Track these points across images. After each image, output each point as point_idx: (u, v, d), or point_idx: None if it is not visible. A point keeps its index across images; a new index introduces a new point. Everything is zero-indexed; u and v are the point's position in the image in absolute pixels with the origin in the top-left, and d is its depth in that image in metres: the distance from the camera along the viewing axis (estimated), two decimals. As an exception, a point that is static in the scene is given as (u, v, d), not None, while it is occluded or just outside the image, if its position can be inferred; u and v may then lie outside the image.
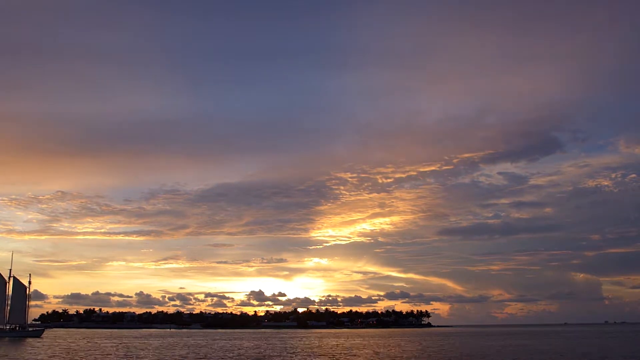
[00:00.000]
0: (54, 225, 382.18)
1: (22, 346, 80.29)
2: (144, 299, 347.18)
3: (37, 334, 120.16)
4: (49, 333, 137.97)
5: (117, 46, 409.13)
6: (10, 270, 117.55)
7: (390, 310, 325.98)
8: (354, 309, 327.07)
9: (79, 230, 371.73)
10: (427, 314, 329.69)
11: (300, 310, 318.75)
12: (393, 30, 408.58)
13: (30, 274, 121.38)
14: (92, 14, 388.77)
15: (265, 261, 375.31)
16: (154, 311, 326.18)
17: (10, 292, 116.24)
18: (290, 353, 62.86)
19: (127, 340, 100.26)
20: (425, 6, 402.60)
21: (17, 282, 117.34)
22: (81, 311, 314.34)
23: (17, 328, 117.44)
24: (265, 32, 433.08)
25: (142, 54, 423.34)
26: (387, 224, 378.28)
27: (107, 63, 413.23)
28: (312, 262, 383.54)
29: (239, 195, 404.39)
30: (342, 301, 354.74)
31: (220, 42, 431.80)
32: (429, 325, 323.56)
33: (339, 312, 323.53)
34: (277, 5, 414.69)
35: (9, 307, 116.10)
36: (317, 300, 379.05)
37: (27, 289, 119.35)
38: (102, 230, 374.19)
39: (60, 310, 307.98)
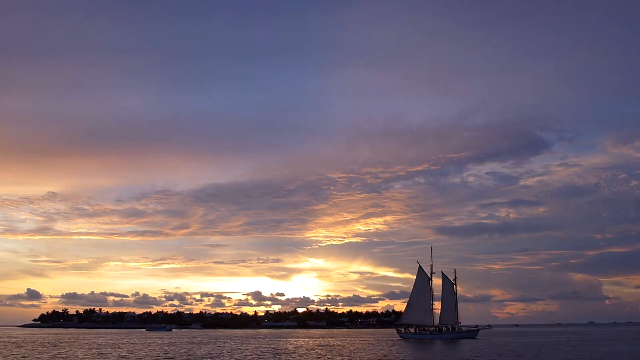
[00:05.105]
0: (48, 225, 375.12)
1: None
2: (141, 299, 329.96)
3: (472, 335, 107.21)
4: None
5: (107, 46, 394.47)
6: (432, 266, 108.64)
7: (390, 311, 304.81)
8: (354, 308, 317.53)
9: (72, 231, 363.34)
10: None
11: (299, 310, 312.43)
12: (380, 31, 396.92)
13: (455, 270, 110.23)
14: (81, 13, 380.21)
15: (261, 261, 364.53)
16: (152, 311, 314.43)
17: (440, 290, 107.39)
18: None
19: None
20: (413, 6, 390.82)
21: (445, 278, 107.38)
22: (80, 311, 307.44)
23: (449, 329, 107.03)
24: (257, 31, 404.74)
25: (132, 54, 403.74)
26: (381, 224, 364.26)
27: (97, 62, 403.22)
28: (308, 262, 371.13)
29: (230, 196, 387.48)
30: (340, 301, 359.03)
31: (210, 41, 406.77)
32: None
33: (338, 312, 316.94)
34: (270, 4, 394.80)
35: (440, 306, 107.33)
36: (315, 300, 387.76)
37: (454, 285, 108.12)
38: (96, 231, 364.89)
39: (60, 310, 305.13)
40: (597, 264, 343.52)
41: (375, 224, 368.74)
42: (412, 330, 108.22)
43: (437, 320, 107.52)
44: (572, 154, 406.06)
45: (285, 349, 72.21)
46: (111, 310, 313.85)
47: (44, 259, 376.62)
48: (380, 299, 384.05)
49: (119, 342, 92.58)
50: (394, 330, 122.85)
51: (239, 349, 71.47)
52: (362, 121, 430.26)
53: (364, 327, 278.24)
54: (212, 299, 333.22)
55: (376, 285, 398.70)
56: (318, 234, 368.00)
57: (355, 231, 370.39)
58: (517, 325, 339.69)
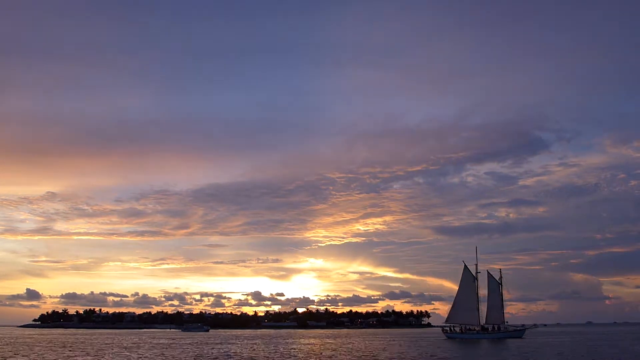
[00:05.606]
0: (47, 225, 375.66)
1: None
2: (141, 299, 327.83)
3: (519, 335, 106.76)
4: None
5: (106, 46, 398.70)
6: (477, 265, 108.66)
7: (390, 311, 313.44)
8: (354, 309, 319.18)
9: (72, 231, 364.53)
10: (427, 314, 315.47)
11: (299, 310, 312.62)
12: (380, 30, 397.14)
13: (500, 269, 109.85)
14: (81, 13, 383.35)
15: (260, 261, 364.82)
16: (152, 311, 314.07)
17: (486, 289, 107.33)
18: None
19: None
20: (413, 6, 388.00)
21: (490, 278, 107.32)
22: (80, 311, 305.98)
23: (495, 328, 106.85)
24: (257, 31, 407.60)
25: (131, 54, 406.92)
26: (380, 224, 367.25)
27: (97, 62, 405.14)
28: (307, 262, 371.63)
29: (229, 196, 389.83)
30: (340, 301, 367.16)
31: (209, 42, 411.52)
32: (429, 325, 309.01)
33: (338, 312, 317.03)
34: (269, 4, 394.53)
35: (486, 305, 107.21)
36: (315, 300, 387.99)
37: (500, 285, 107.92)
38: (95, 231, 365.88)
39: (60, 310, 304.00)
40: (597, 264, 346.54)
41: (374, 224, 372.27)
42: (457, 329, 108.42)
43: (482, 320, 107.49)
44: (571, 154, 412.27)
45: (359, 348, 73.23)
46: (111, 310, 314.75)
47: (44, 259, 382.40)
48: (380, 299, 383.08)
49: (178, 343, 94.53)
50: (439, 330, 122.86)
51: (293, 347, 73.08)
52: (361, 121, 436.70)
53: (364, 327, 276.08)
54: (211, 299, 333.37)
55: (376, 285, 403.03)
56: (317, 234, 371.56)
57: (354, 231, 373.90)
58: (545, 325, 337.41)
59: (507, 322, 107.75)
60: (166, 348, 73.63)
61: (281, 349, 69.19)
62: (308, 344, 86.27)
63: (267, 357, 55.45)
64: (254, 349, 69.61)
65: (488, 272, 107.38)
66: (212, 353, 62.43)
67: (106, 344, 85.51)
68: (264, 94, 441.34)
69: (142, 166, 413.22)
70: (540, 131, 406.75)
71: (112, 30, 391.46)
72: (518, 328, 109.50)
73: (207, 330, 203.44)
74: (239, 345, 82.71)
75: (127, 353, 62.39)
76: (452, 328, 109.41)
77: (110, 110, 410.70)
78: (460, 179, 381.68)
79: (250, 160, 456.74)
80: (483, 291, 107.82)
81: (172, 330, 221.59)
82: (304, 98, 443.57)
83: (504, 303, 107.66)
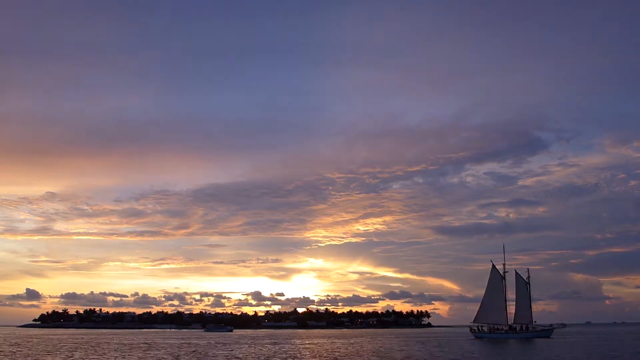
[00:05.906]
0: (47, 225, 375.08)
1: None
2: (141, 299, 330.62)
3: (547, 334, 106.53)
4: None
5: (105, 46, 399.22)
6: (504, 264, 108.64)
7: (390, 311, 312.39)
8: (354, 309, 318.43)
9: (72, 231, 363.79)
10: (427, 314, 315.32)
11: (299, 310, 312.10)
12: (380, 30, 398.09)
13: (528, 269, 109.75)
14: (81, 13, 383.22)
15: (260, 261, 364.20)
16: (152, 311, 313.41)
17: (514, 289, 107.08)
18: None
19: None
20: (413, 6, 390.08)
21: (518, 277, 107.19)
22: (80, 311, 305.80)
23: (522, 328, 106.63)
24: (257, 31, 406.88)
25: (131, 54, 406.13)
26: (380, 224, 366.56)
27: (96, 63, 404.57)
28: (307, 262, 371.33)
29: (229, 196, 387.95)
30: (340, 301, 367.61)
31: (209, 42, 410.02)
32: (429, 325, 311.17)
33: (338, 312, 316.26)
34: (269, 4, 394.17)
35: (514, 305, 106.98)
36: (315, 300, 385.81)
37: (528, 285, 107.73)
38: (95, 231, 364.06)
39: (60, 310, 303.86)
40: (597, 264, 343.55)
41: (374, 224, 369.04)
42: (485, 329, 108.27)
43: (510, 320, 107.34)
44: (570, 154, 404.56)
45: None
46: (111, 310, 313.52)
47: (44, 259, 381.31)
48: (380, 299, 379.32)
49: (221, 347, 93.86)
50: (467, 330, 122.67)
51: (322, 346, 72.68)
52: (361, 121, 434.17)
53: (364, 327, 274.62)
54: (211, 299, 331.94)
55: (376, 285, 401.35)
56: (317, 234, 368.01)
57: (354, 231, 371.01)
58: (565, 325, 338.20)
59: (535, 321, 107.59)
60: (227, 346, 73.14)
61: (326, 347, 68.88)
62: (333, 342, 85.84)
63: (321, 354, 55.30)
64: (304, 347, 69.35)
65: (516, 272, 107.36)
66: (276, 353, 62.08)
67: (136, 343, 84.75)
68: (264, 94, 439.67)
69: (142, 166, 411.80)
70: (540, 131, 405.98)
71: (112, 30, 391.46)
72: (546, 328, 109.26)
73: (231, 331, 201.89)
74: (281, 345, 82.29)
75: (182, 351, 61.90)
76: (480, 327, 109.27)
77: (110, 110, 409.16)
78: (459, 179, 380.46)
79: (250, 160, 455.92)
80: (511, 291, 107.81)
81: (194, 330, 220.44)
82: (304, 98, 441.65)
83: (532, 303, 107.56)
